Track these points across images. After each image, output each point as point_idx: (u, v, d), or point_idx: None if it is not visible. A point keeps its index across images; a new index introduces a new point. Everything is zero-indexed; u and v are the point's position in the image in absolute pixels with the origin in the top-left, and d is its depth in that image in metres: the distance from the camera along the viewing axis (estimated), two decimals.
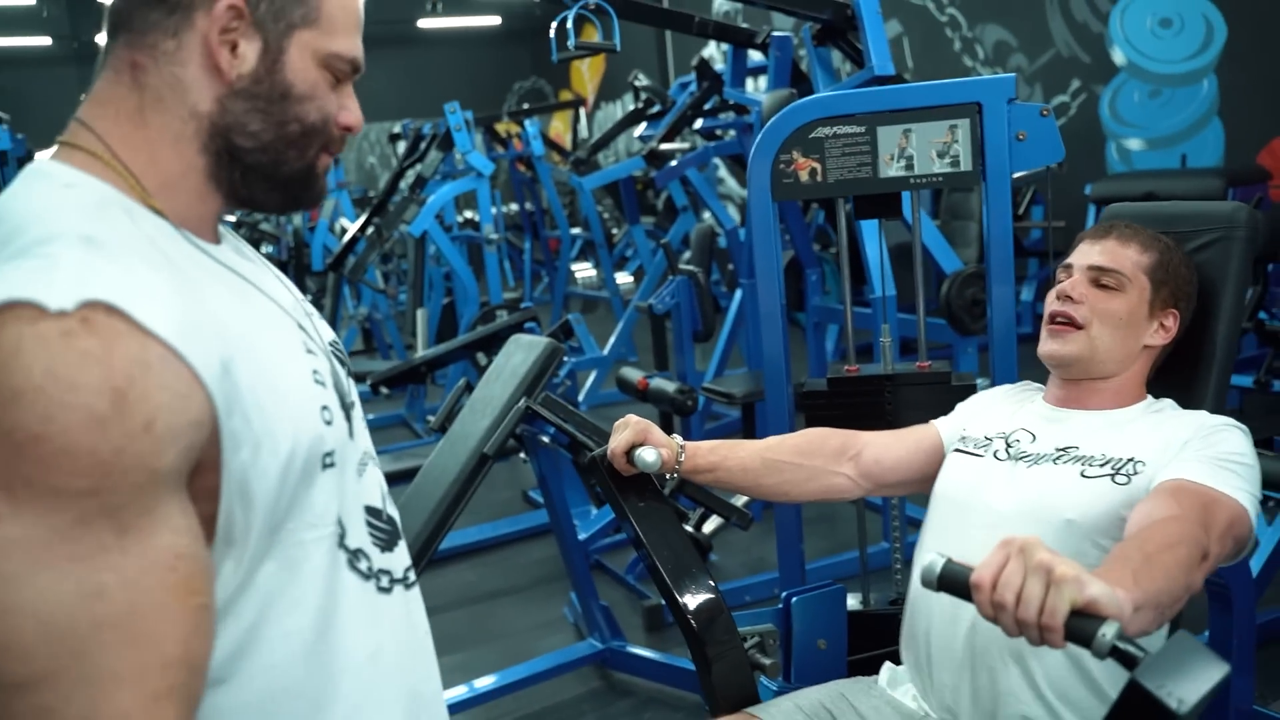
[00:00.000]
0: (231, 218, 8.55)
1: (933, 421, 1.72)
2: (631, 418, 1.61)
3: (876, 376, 2.14)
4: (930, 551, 1.53)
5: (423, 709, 1.00)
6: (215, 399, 0.76)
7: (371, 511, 0.95)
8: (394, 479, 3.34)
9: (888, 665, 1.62)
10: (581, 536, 3.67)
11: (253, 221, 7.53)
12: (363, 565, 0.92)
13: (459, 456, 2.66)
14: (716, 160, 5.74)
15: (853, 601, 2.61)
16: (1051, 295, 1.55)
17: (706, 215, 6.00)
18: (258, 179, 0.89)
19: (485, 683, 2.90)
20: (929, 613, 1.48)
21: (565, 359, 3.81)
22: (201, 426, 0.75)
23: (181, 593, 0.73)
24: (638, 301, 4.92)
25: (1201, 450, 1.33)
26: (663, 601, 3.35)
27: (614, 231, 8.29)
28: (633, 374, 3.41)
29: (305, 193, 0.93)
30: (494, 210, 9.67)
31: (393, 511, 1.00)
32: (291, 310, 0.93)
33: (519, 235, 8.96)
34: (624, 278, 7.30)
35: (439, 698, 1.05)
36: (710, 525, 2.92)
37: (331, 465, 0.87)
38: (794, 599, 1.76)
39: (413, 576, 1.02)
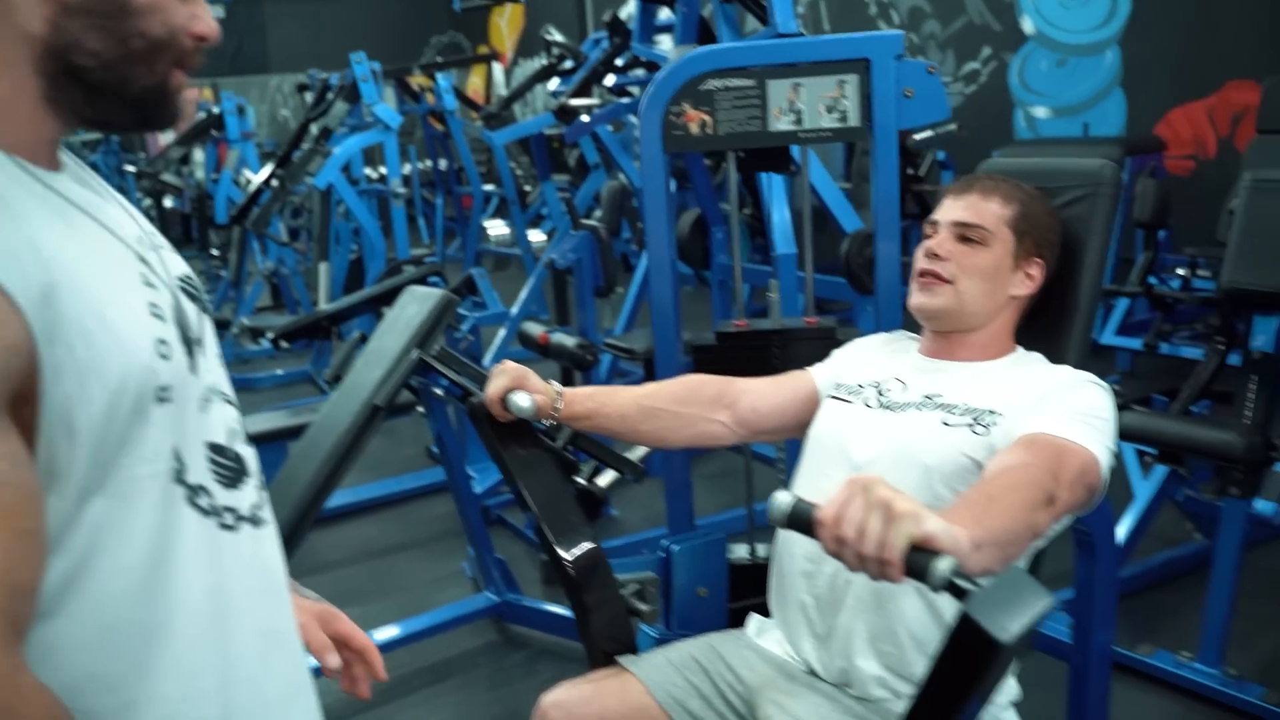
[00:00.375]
0: (132, 168, 8.29)
1: (809, 369, 1.75)
2: (508, 363, 1.61)
3: (764, 331, 2.16)
4: (802, 491, 1.57)
5: (275, 648, 0.98)
6: (33, 326, 0.74)
7: (215, 448, 0.93)
8: (289, 434, 3.31)
9: (754, 616, 1.65)
10: (479, 489, 3.67)
11: (154, 172, 7.31)
12: (203, 502, 0.90)
13: (350, 408, 2.63)
14: (633, 119, 5.71)
15: (741, 554, 2.66)
16: (919, 252, 1.59)
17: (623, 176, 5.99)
18: (105, 99, 0.85)
19: (379, 636, 2.89)
20: (792, 560, 1.51)
21: (468, 314, 3.80)
22: (18, 353, 0.73)
23: (2, 517, 0.72)
24: (547, 258, 4.89)
25: (1059, 404, 1.37)
26: None
27: (528, 189, 8.22)
28: (534, 328, 3.40)
29: (159, 111, 0.89)
30: (408, 168, 9.55)
31: (242, 450, 0.98)
32: (134, 242, 0.90)
33: (434, 193, 8.83)
34: (537, 235, 7.25)
35: (293, 635, 1.03)
36: (605, 479, 2.94)
37: (167, 400, 0.85)
38: (674, 548, 1.78)
39: (264, 515, 0.99)
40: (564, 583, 1.60)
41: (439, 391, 2.71)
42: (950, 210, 1.57)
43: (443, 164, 8.37)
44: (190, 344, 0.91)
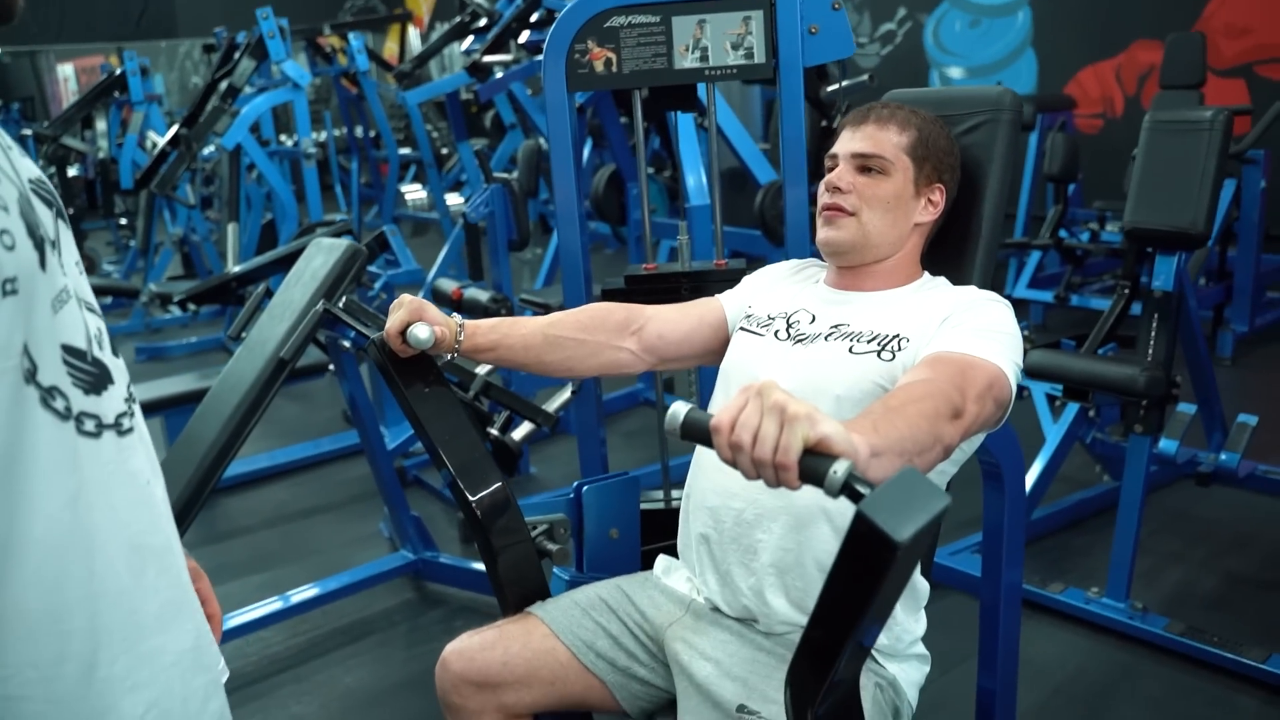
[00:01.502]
0: (30, 131, 7.97)
1: (718, 296, 1.73)
2: (406, 297, 1.56)
3: (673, 274, 2.14)
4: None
5: (149, 562, 0.93)
6: None
7: (71, 351, 0.88)
8: (195, 398, 3.22)
9: (662, 556, 1.64)
10: (391, 445, 3.61)
11: (54, 135, 7.03)
12: (59, 404, 0.85)
13: (255, 363, 2.56)
14: None
15: (657, 504, 2.65)
16: (822, 186, 1.57)
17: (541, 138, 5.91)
18: None
19: (295, 597, 2.84)
20: (701, 496, 1.50)
21: (380, 273, 3.72)
22: None
23: None
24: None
25: (962, 323, 1.37)
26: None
27: (446, 153, 8.09)
28: (447, 284, 3.34)
29: None
30: (324, 134, 9.34)
31: (107, 359, 0.93)
32: None
33: (350, 159, 8.65)
34: (456, 200, 7.14)
35: (171, 553, 0.98)
36: (520, 431, 2.90)
37: (13, 292, 0.80)
38: (585, 488, 1.75)
39: (130, 424, 0.94)
40: (470, 524, 1.57)
41: (347, 344, 2.64)
42: (848, 142, 1.55)
43: (358, 130, 8.20)
44: (40, 242, 0.86)
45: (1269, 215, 4.71)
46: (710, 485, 1.49)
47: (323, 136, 9.69)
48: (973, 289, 1.48)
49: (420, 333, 1.50)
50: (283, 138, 8.90)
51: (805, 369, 1.45)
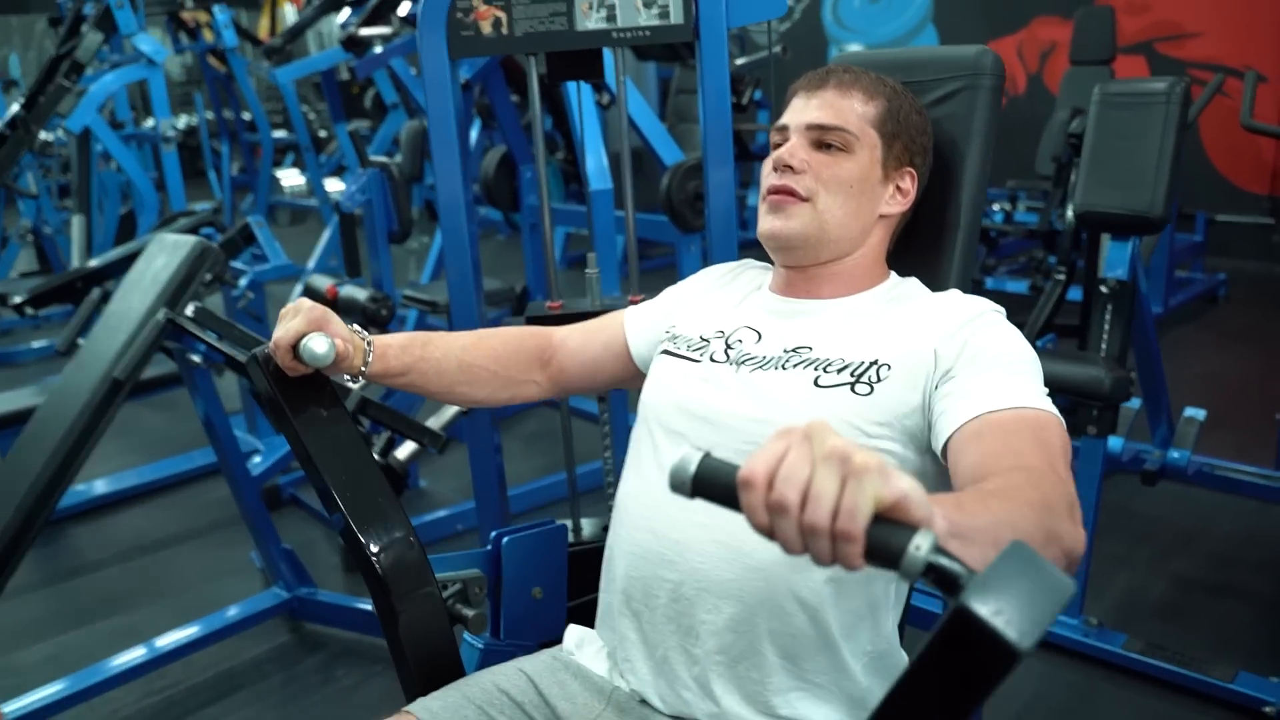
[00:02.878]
0: None
1: (623, 313, 1.45)
2: (305, 301, 1.24)
3: (581, 314, 1.83)
4: (635, 476, 1.25)
5: None
6: None
7: None
8: (20, 419, 2.79)
9: (574, 628, 1.32)
10: (264, 466, 3.24)
11: None
12: None
13: (88, 382, 2.17)
14: None
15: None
16: (768, 165, 1.26)
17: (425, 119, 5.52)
18: None
19: (152, 648, 2.44)
20: (627, 561, 1.19)
21: (246, 269, 3.32)
22: None
23: None
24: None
25: (980, 355, 1.08)
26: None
27: (324, 135, 7.59)
28: (321, 281, 2.96)
29: None
30: (191, 118, 8.72)
31: None
32: None
33: (221, 142, 8.08)
34: (336, 185, 6.69)
35: None
36: (405, 451, 2.56)
37: None
38: (505, 539, 1.43)
39: None
40: (369, 583, 1.24)
41: (198, 359, 2.27)
42: (802, 111, 1.25)
43: (228, 112, 7.64)
44: None
45: (1180, 194, 4.61)
46: (637, 548, 1.18)
47: (195, 120, 9.08)
48: (957, 295, 1.20)
49: (317, 347, 1.18)
50: (149, 121, 8.29)
51: (756, 403, 1.15)
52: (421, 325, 3.94)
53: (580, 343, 1.45)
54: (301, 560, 2.67)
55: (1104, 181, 2.19)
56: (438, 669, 1.27)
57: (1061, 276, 2.82)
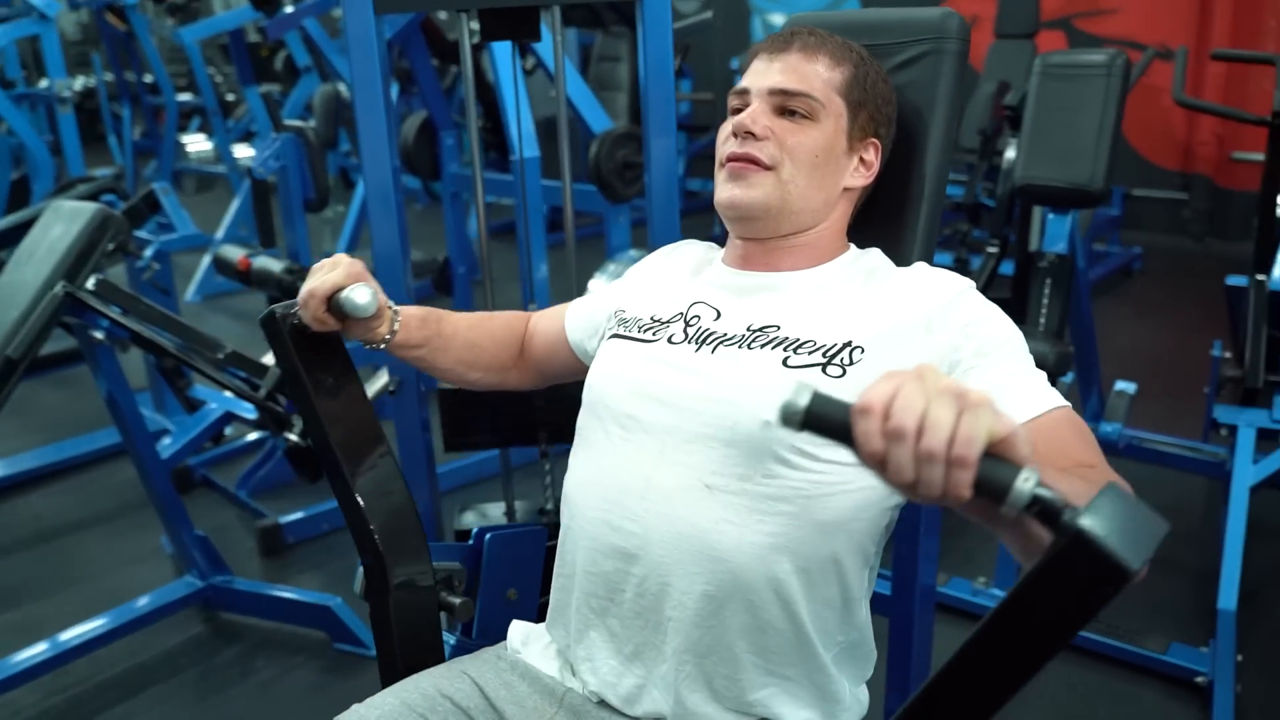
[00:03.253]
0: None
1: (566, 306, 1.42)
2: (343, 257, 1.19)
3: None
4: (586, 465, 1.17)
5: None
6: None
7: None
8: None
9: (518, 623, 1.24)
10: (177, 447, 3.09)
11: None
12: None
13: None
14: None
15: (494, 512, 2.25)
16: (726, 131, 1.19)
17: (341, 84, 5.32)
18: None
19: (56, 643, 2.30)
20: (587, 556, 1.11)
21: (151, 238, 3.15)
22: None
23: None
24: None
25: (988, 349, 1.03)
26: (280, 520, 2.86)
27: (231, 99, 7.30)
28: (233, 252, 2.81)
29: None
30: (86, 79, 8.32)
31: None
32: None
33: (121, 105, 7.73)
34: (246, 151, 6.44)
35: None
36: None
37: None
38: (489, 535, 1.35)
39: None
40: (364, 556, 1.21)
41: (100, 335, 2.12)
42: (763, 74, 1.17)
43: (129, 74, 7.30)
44: None
45: None
46: (593, 542, 1.10)
47: (93, 81, 8.67)
48: (926, 270, 1.13)
49: (359, 297, 1.14)
50: (43, 82, 7.90)
51: (719, 386, 1.07)
52: None
53: (543, 330, 1.41)
54: (216, 546, 2.55)
55: (1044, 154, 2.17)
56: (422, 655, 1.24)
57: (994, 250, 2.80)
